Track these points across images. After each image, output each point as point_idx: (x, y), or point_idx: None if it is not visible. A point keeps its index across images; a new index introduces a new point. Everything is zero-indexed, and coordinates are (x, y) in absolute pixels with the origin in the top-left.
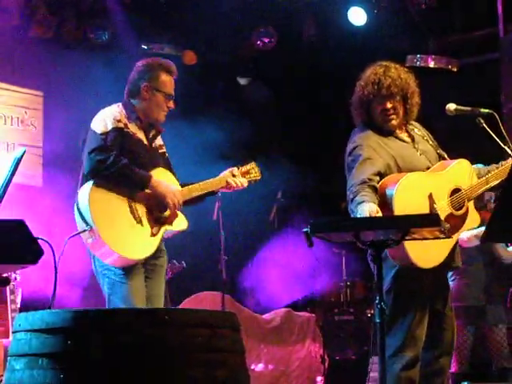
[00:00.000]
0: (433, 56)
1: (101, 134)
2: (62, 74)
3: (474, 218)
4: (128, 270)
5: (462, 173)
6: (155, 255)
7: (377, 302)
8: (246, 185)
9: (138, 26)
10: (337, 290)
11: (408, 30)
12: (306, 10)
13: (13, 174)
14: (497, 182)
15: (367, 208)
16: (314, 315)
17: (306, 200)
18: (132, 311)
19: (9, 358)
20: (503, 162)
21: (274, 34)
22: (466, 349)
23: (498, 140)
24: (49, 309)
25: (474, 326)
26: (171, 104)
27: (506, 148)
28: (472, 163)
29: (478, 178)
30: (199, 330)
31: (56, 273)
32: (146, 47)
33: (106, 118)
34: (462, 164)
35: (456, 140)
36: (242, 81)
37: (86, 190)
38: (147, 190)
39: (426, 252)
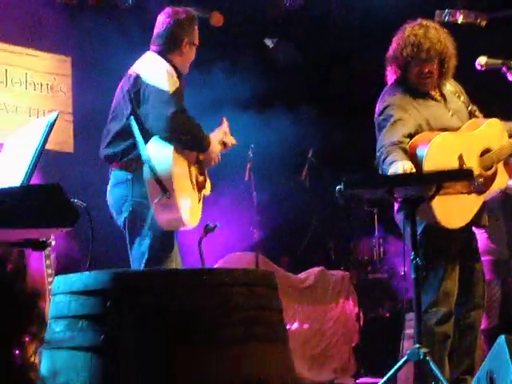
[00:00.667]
0: (461, 10)
1: (173, 94)
2: (89, 39)
3: (502, 178)
4: (170, 233)
5: (493, 133)
6: None
7: (412, 257)
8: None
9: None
10: (370, 248)
11: None
12: None
13: (46, 138)
14: None
15: (401, 165)
16: (347, 273)
17: (337, 159)
18: (170, 272)
19: (49, 320)
20: None
21: None
22: (496, 302)
23: None
24: (87, 271)
25: (501, 279)
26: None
27: None
28: (503, 119)
29: (510, 137)
30: (236, 289)
31: (93, 235)
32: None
33: (168, 75)
34: (493, 123)
35: (485, 96)
36: (269, 42)
37: (166, 153)
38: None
39: (453, 213)
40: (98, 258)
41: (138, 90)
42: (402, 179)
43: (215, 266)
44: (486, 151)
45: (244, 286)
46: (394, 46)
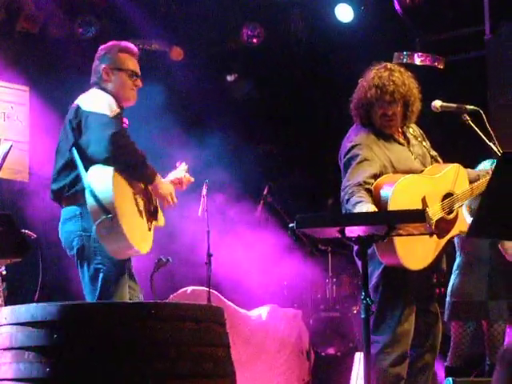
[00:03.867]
0: (419, 53)
1: (113, 118)
2: (48, 69)
3: (463, 222)
4: (122, 263)
5: (455, 178)
6: None
7: (362, 297)
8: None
9: (125, 21)
10: (323, 287)
11: (395, 27)
12: (294, 6)
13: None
14: (482, 190)
15: (366, 208)
16: (300, 311)
17: (292, 196)
18: (119, 305)
19: None
20: (486, 173)
21: (262, 30)
22: (464, 344)
23: (483, 137)
24: (34, 302)
25: (475, 321)
26: (138, 82)
27: (491, 145)
28: (455, 161)
29: (470, 182)
30: (186, 324)
31: (41, 266)
32: (132, 43)
33: (108, 102)
34: (456, 169)
35: (442, 137)
36: (229, 77)
37: (106, 175)
38: (152, 186)
39: (415, 254)
40: (51, 288)
41: (79, 121)
42: (354, 218)
43: (167, 300)
44: (447, 195)
45: (192, 321)
46: (359, 87)
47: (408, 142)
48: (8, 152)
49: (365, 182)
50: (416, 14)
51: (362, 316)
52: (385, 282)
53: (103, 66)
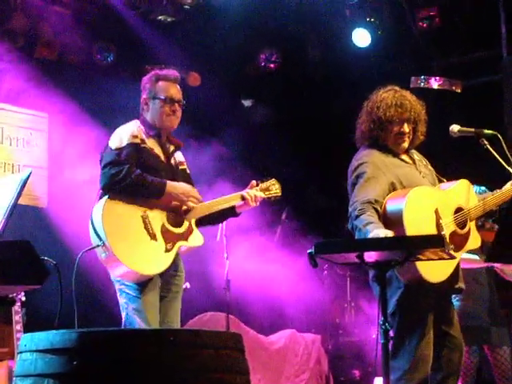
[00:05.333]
0: (436, 77)
1: (115, 149)
2: (66, 95)
3: (475, 237)
4: (142, 285)
5: (464, 193)
6: (172, 274)
7: (381, 322)
8: (260, 198)
9: (142, 47)
10: (341, 311)
11: (412, 51)
12: (311, 31)
13: (19, 195)
14: (493, 206)
15: (383, 233)
16: (319, 336)
17: (310, 221)
18: (137, 332)
19: (14, 378)
20: (498, 190)
21: (279, 56)
22: (472, 369)
23: (501, 161)
24: (54, 329)
25: (479, 346)
26: (175, 107)
27: (509, 169)
28: (475, 184)
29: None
30: (204, 351)
31: (61, 293)
32: (150, 68)
33: (122, 134)
34: (464, 184)
35: (459, 161)
36: (246, 102)
37: (100, 205)
38: (165, 196)
39: (434, 266)
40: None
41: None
42: (373, 244)
43: (185, 327)
44: (458, 209)
45: (211, 348)
46: (372, 108)
47: (414, 163)
48: (27, 179)
49: (375, 201)
50: (433, 37)
51: (381, 341)
52: (402, 308)
53: (143, 96)
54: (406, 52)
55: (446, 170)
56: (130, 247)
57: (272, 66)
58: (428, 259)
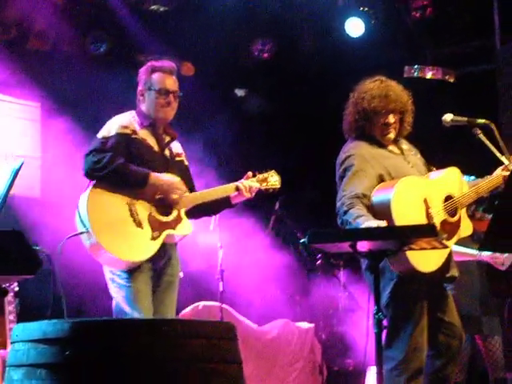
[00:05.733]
0: (430, 67)
1: (101, 138)
2: (59, 85)
3: (467, 225)
4: (132, 273)
5: (454, 180)
6: (165, 264)
7: (374, 312)
8: (255, 188)
9: (135, 37)
10: (335, 301)
11: (405, 40)
12: (304, 20)
13: (11, 185)
14: (484, 192)
15: (375, 223)
16: (312, 325)
17: (303, 211)
18: (129, 321)
19: (7, 368)
20: (488, 176)
21: (272, 46)
22: (464, 358)
23: (494, 150)
24: (47, 319)
25: (470, 336)
26: (170, 98)
27: (502, 158)
28: (465, 174)
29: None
30: (197, 341)
31: (54, 283)
32: (143, 59)
33: (111, 124)
34: (453, 171)
35: (452, 150)
36: (239, 92)
37: (86, 193)
38: (148, 187)
39: (425, 256)
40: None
41: None
42: (366, 234)
43: (178, 316)
44: (448, 197)
45: (203, 338)
46: (357, 99)
47: (402, 153)
48: (19, 169)
49: (363, 195)
50: (426, 27)
51: (375, 331)
52: (396, 299)
53: (139, 88)
54: (399, 42)
55: (439, 160)
56: (114, 234)
57: (265, 55)
58: (421, 248)
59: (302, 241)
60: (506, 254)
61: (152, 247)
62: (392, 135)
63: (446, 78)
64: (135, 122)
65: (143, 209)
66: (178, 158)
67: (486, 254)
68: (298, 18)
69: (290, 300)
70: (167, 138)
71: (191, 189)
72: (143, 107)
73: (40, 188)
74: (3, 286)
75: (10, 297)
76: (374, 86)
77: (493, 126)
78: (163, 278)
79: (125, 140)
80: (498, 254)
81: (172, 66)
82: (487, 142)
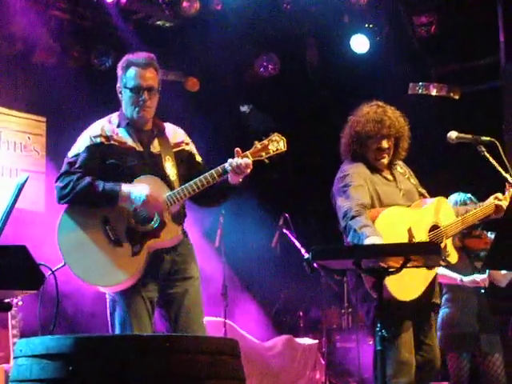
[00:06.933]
0: (435, 84)
1: (71, 157)
2: (64, 100)
3: (452, 254)
4: (125, 294)
5: (441, 210)
6: (174, 270)
7: (377, 329)
8: (244, 164)
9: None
10: (339, 317)
11: (410, 57)
12: (309, 37)
13: (16, 199)
14: (473, 222)
15: (378, 239)
16: (316, 341)
17: (307, 227)
18: (133, 337)
19: (10, 383)
20: (481, 203)
21: (277, 62)
22: (463, 376)
23: (499, 168)
24: (50, 334)
25: (470, 353)
26: (145, 95)
27: (507, 176)
28: (464, 191)
29: (456, 216)
30: (200, 357)
31: (58, 298)
32: None
33: (81, 139)
34: (440, 202)
35: (456, 168)
36: (244, 108)
37: (58, 222)
38: (121, 203)
39: (405, 285)
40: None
41: None
42: (369, 251)
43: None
44: (434, 227)
45: (207, 354)
46: (353, 123)
47: (395, 179)
48: (24, 184)
49: (368, 205)
50: (431, 44)
51: (378, 348)
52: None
53: (117, 85)
54: (404, 58)
55: (443, 177)
56: (88, 262)
57: (270, 71)
58: (424, 266)
59: (305, 257)
60: (504, 272)
61: (135, 263)
62: (385, 160)
63: (451, 94)
64: (110, 126)
65: (120, 223)
66: (176, 149)
67: (466, 279)
68: (303, 34)
69: (293, 316)
70: (150, 135)
71: (198, 175)
72: (122, 106)
73: (44, 203)
74: (7, 300)
75: (13, 311)
76: (370, 111)
77: (497, 144)
78: (176, 285)
79: (98, 151)
80: (477, 279)
81: (148, 56)
82: (492, 160)
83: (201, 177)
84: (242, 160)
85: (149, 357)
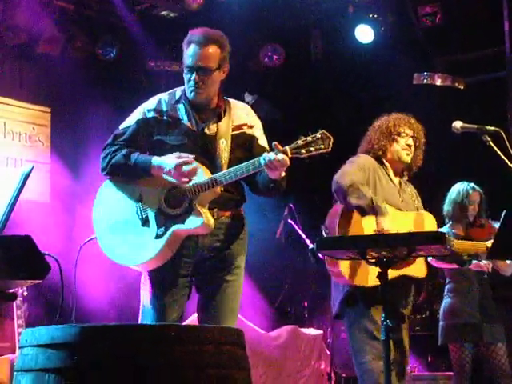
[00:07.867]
0: (439, 74)
1: (120, 130)
2: (69, 90)
3: (420, 268)
4: (157, 278)
5: (421, 221)
6: (208, 258)
7: (382, 319)
8: (278, 163)
9: (145, 42)
10: None
11: (415, 47)
12: (314, 27)
13: (21, 190)
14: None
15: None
16: (321, 332)
17: (312, 217)
18: (138, 327)
19: (15, 373)
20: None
21: (282, 52)
22: (466, 365)
23: (504, 158)
24: (55, 323)
25: (472, 343)
26: (195, 76)
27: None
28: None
29: None
30: (205, 347)
31: (63, 288)
32: (153, 64)
33: (136, 112)
34: (424, 215)
35: (461, 158)
36: (249, 98)
37: (97, 193)
38: (154, 174)
39: (358, 271)
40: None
41: None
42: (375, 241)
43: (186, 322)
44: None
45: (212, 344)
46: (381, 122)
47: (400, 187)
48: (29, 174)
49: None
50: (436, 34)
51: (382, 338)
52: (349, 307)
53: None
54: (408, 48)
55: (449, 167)
56: (118, 240)
57: (275, 62)
58: (429, 255)
59: (310, 247)
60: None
61: (154, 247)
62: (409, 158)
63: (456, 85)
64: (170, 100)
65: (152, 202)
66: (235, 132)
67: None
68: (307, 25)
69: (298, 306)
70: (208, 115)
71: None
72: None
73: (49, 193)
74: (12, 290)
75: (18, 301)
76: (398, 115)
77: (503, 134)
78: (211, 275)
79: (148, 125)
80: (481, 263)
81: (205, 33)
82: (497, 150)
83: (237, 167)
84: (275, 156)
85: (154, 346)
